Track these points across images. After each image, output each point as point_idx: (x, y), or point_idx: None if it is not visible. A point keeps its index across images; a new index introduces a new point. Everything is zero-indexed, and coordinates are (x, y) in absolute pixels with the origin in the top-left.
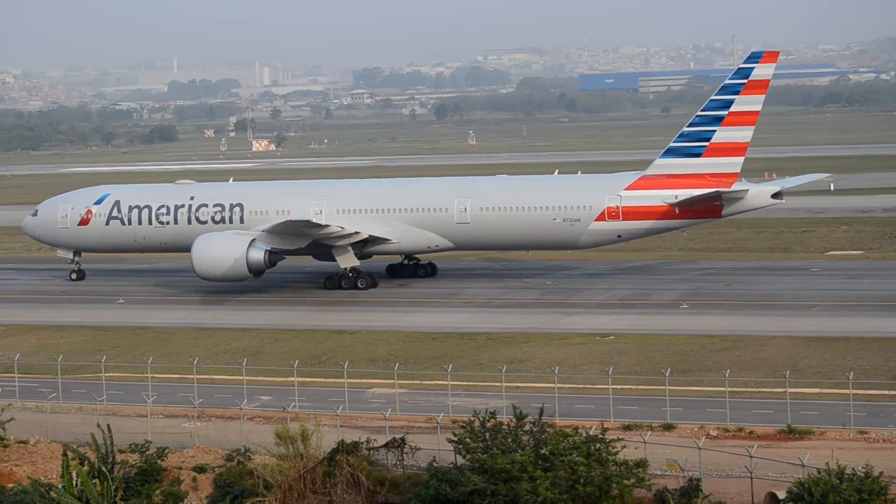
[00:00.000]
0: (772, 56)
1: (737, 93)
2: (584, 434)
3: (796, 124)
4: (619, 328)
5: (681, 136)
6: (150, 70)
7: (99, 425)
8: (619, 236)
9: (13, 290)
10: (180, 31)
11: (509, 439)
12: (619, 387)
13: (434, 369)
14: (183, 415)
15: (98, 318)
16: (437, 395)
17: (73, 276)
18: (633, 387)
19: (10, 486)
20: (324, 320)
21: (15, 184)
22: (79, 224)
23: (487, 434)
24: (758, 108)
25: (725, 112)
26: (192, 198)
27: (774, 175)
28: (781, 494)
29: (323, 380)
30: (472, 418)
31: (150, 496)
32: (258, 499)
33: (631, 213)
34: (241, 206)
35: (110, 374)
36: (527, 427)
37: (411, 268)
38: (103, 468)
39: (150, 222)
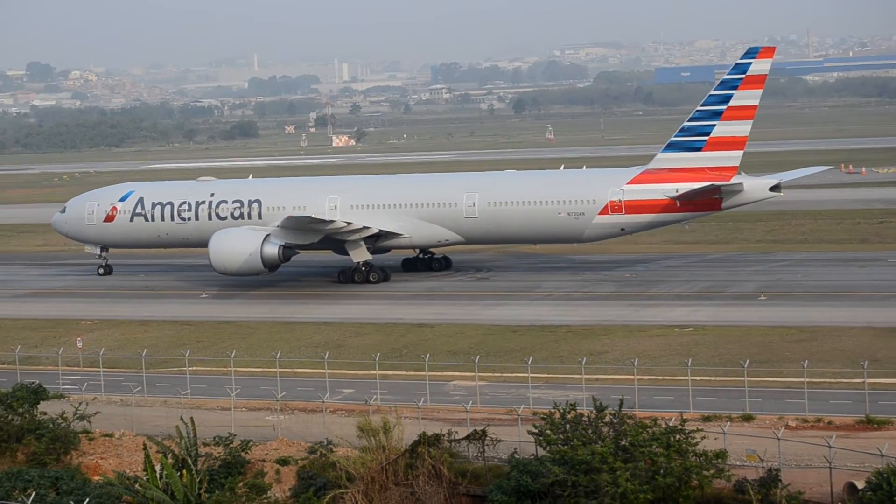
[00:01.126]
0: (768, 51)
1: (735, 88)
2: (663, 425)
3: (872, 115)
4: (698, 320)
5: (682, 130)
6: (230, 67)
7: (182, 418)
8: (622, 229)
9: (98, 285)
10: (260, 28)
11: (589, 431)
12: (697, 378)
13: (514, 362)
14: (266, 408)
15: (181, 312)
16: (518, 388)
17: (101, 271)
18: (712, 378)
19: (96, 478)
20: (404, 314)
21: (98, 181)
22: (104, 220)
23: (568, 426)
24: (755, 102)
25: (724, 107)
26: (212, 194)
27: (851, 167)
28: (860, 484)
29: (404, 373)
30: (553, 410)
31: (233, 488)
32: (340, 490)
33: (633, 207)
34: (258, 202)
35: (194, 368)
36: (607, 419)
37: (426, 261)
38: (187, 461)
39: (173, 218)
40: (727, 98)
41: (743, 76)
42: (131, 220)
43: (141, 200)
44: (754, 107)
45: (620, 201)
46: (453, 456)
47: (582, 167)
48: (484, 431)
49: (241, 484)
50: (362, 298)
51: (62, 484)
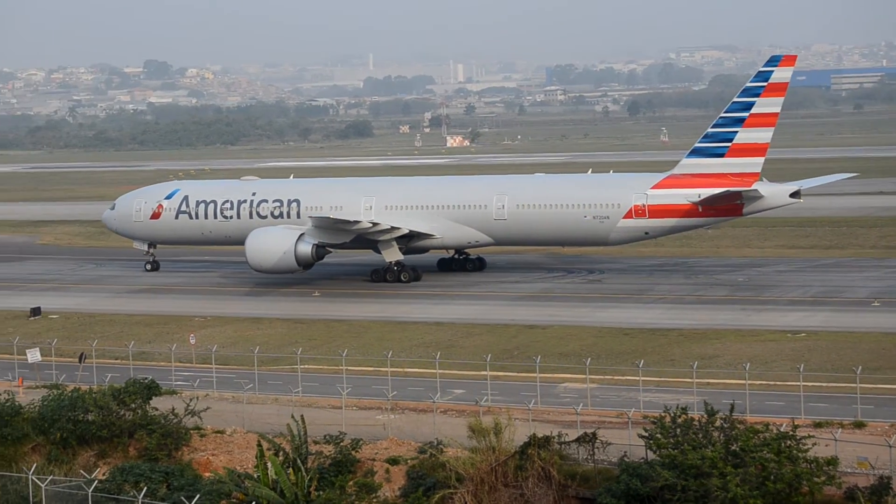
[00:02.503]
0: (790, 59)
1: (757, 95)
2: (774, 431)
3: None
4: (810, 325)
5: (705, 136)
6: (346, 66)
7: (294, 416)
8: (646, 233)
9: (211, 282)
10: (376, 27)
11: (700, 435)
12: (809, 384)
13: (626, 365)
14: (377, 407)
15: (294, 310)
16: (629, 391)
17: (148, 266)
18: (824, 384)
19: (207, 474)
20: (516, 315)
21: (213, 178)
22: (151, 218)
23: (678, 430)
24: (777, 109)
25: (747, 114)
26: (253, 194)
27: None
28: None
29: (515, 374)
30: (664, 414)
31: (343, 487)
32: (450, 491)
33: (657, 211)
34: (297, 201)
35: (306, 366)
36: (717, 423)
37: (461, 262)
38: (297, 459)
39: (216, 216)
40: (750, 105)
41: (765, 84)
42: (176, 217)
43: (186, 198)
44: (776, 114)
45: (644, 205)
46: (563, 458)
47: (609, 171)
48: (594, 434)
49: (350, 483)
50: (474, 299)
51: (173, 479)
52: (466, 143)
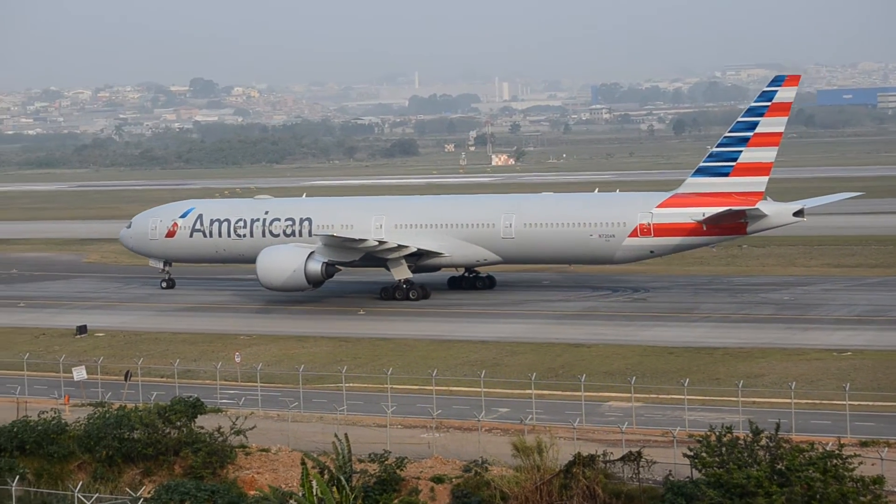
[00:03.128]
0: (793, 80)
1: (761, 115)
2: (820, 450)
3: None
4: (857, 344)
5: (710, 156)
6: (391, 85)
7: (338, 435)
8: (651, 252)
9: (256, 300)
10: (421, 46)
11: (745, 454)
12: (855, 403)
13: (670, 383)
14: (421, 426)
15: (339, 329)
16: (674, 409)
17: (164, 284)
18: (871, 403)
19: (252, 492)
20: (561, 333)
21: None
22: (166, 236)
23: (724, 448)
24: (781, 129)
25: (751, 133)
26: (266, 212)
27: None
28: None
29: (560, 392)
30: (709, 433)
31: None
32: None
33: (662, 230)
34: (309, 220)
35: (350, 385)
36: (763, 442)
37: (470, 280)
38: (342, 477)
39: (229, 235)
40: (754, 125)
41: (769, 104)
42: (191, 235)
43: (200, 217)
44: (780, 133)
45: (649, 224)
46: (608, 477)
47: (616, 190)
48: (639, 453)
49: (395, 501)
50: (519, 317)
51: (218, 497)
52: (511, 161)
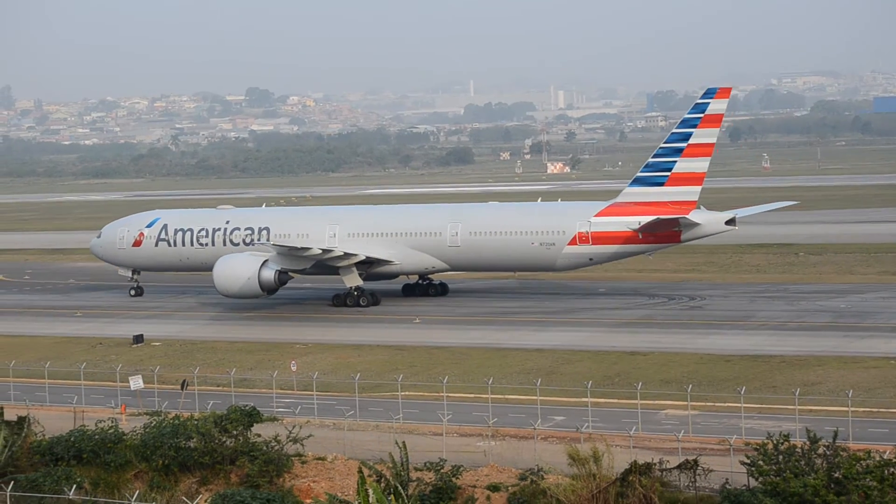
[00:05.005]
0: (724, 92)
1: (695, 126)
2: (877, 458)
3: None
4: None
5: (646, 166)
6: (446, 93)
7: (396, 443)
8: (590, 259)
9: (311, 308)
10: (477, 54)
11: (802, 462)
12: None
13: (727, 391)
14: (477, 434)
15: (394, 337)
16: (730, 417)
17: (133, 292)
18: None
19: (308, 501)
20: (617, 342)
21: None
22: (133, 245)
23: (780, 457)
24: (713, 140)
25: (685, 144)
26: (227, 222)
27: None
28: None
29: (616, 401)
30: (766, 441)
31: None
32: None
33: (599, 238)
34: (267, 229)
35: (406, 393)
36: (820, 450)
37: (424, 287)
38: (398, 485)
39: (192, 244)
40: (687, 136)
41: (702, 115)
42: (156, 244)
43: (165, 227)
44: (712, 144)
45: (588, 233)
46: (664, 485)
47: (558, 199)
48: (696, 461)
49: None
50: (575, 326)
51: None
52: (567, 169)
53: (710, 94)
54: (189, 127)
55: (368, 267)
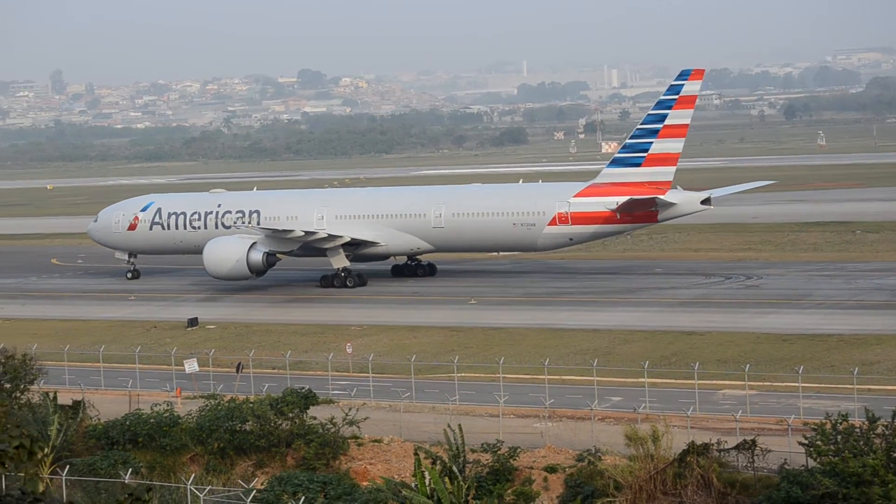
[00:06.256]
0: (698, 73)
1: (670, 108)
2: None
3: None
4: None
5: (624, 147)
6: (499, 73)
7: (451, 425)
8: (570, 239)
9: (367, 291)
10: (530, 33)
11: (861, 442)
12: None
13: (785, 371)
14: (534, 415)
15: (450, 318)
16: (788, 397)
17: (129, 275)
18: None
19: (365, 484)
20: (674, 321)
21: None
22: (128, 229)
23: (839, 437)
24: (687, 121)
25: (661, 125)
26: (219, 205)
27: None
28: None
29: (673, 381)
30: (824, 421)
31: (501, 495)
32: (608, 499)
33: (578, 218)
34: (258, 212)
35: (462, 375)
36: (879, 430)
37: (412, 268)
38: (455, 467)
39: (185, 227)
40: (663, 117)
41: (677, 97)
42: (150, 228)
43: (159, 210)
44: (686, 125)
45: (567, 213)
46: (722, 466)
47: (538, 181)
48: (754, 441)
49: (508, 491)
50: (631, 306)
51: (330, 489)
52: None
53: (684, 75)
54: (241, 109)
55: (355, 248)
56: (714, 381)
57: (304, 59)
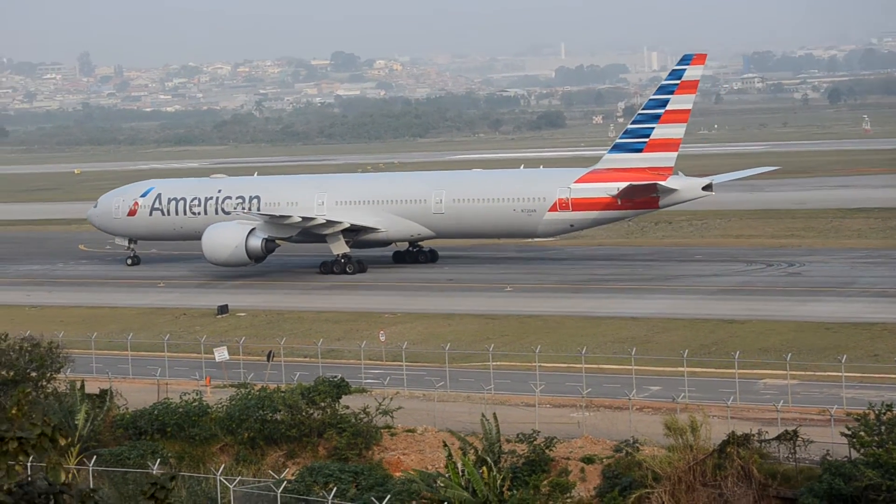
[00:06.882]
0: (700, 58)
1: (672, 92)
2: None
3: None
4: None
5: (626, 132)
6: (536, 56)
7: (485, 414)
8: (571, 225)
9: (400, 277)
10: (568, 16)
11: None
12: None
13: (827, 360)
14: (571, 405)
15: (485, 306)
16: (831, 387)
17: (129, 262)
18: None
19: (398, 474)
20: (713, 309)
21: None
22: (128, 215)
23: (883, 427)
24: (689, 106)
25: (662, 110)
26: (219, 191)
27: None
28: None
29: (713, 370)
30: (867, 411)
31: (537, 486)
32: (646, 491)
33: (579, 205)
34: (258, 198)
35: (497, 363)
36: None
37: (413, 254)
38: (489, 458)
39: (185, 213)
40: (665, 102)
41: (678, 82)
42: (150, 214)
43: (159, 196)
44: (688, 111)
45: (568, 199)
46: (763, 457)
47: (539, 167)
48: (795, 432)
49: (544, 482)
50: (670, 293)
51: (362, 479)
52: None
53: (685, 60)
54: (273, 92)
55: (355, 234)
56: (755, 371)
57: (338, 42)
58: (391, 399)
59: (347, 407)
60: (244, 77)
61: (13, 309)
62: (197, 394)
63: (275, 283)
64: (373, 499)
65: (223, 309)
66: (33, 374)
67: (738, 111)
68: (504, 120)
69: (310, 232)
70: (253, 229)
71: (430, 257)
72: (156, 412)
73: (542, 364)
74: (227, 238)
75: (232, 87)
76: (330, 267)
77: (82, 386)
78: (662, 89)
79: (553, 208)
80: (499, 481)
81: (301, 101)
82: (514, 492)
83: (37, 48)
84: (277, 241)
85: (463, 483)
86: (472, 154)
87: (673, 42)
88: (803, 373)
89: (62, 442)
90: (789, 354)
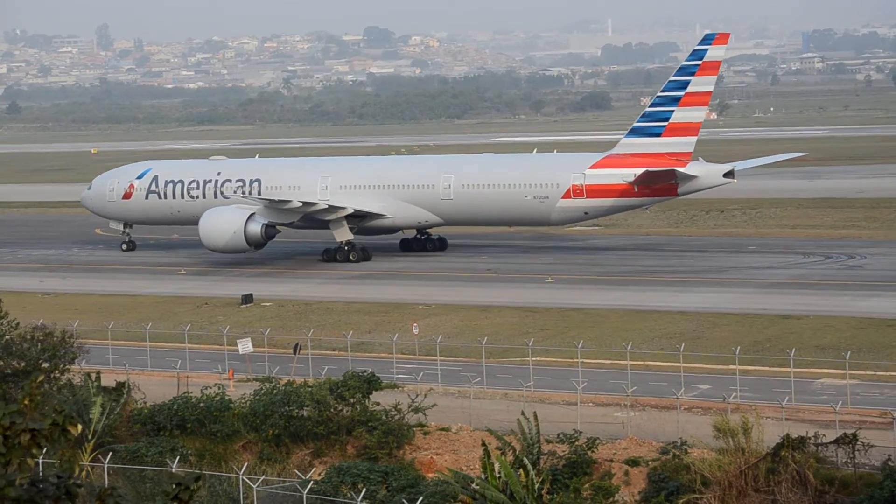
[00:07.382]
0: (723, 38)
1: (692, 74)
2: None
3: None
4: None
5: (643, 115)
6: (582, 33)
7: (524, 413)
8: (585, 213)
9: (436, 267)
10: None
11: None
12: None
13: (889, 359)
14: (615, 403)
15: (525, 298)
16: (893, 388)
17: (124, 247)
18: None
19: (431, 475)
20: (768, 303)
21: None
22: (123, 198)
23: None
24: (710, 88)
25: (682, 93)
26: (219, 173)
27: None
28: None
29: (767, 368)
30: None
31: (578, 490)
32: (695, 496)
33: (594, 191)
34: (259, 181)
35: (537, 359)
36: None
37: (421, 242)
38: (527, 459)
39: (183, 196)
40: (685, 84)
41: (700, 62)
42: (146, 197)
43: (156, 178)
44: (709, 93)
45: (582, 185)
46: (820, 461)
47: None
48: (854, 435)
49: (586, 485)
50: (721, 286)
51: (393, 480)
52: (714, 116)
53: (707, 40)
54: (302, 69)
55: (360, 221)
56: (812, 370)
57: (371, 16)
58: (424, 396)
59: (378, 403)
60: (271, 53)
61: (25, 296)
62: (219, 388)
63: (302, 271)
64: (404, 501)
65: (248, 298)
66: (45, 364)
67: (795, 93)
68: (546, 101)
69: (312, 217)
70: (252, 214)
71: (439, 245)
72: (175, 407)
73: (585, 360)
74: (225, 223)
75: (258, 63)
76: (333, 254)
77: (98, 378)
78: (682, 70)
79: (567, 195)
80: (538, 484)
81: (331, 78)
82: (554, 495)
83: (52, 20)
84: (278, 227)
85: (500, 485)
86: (512, 137)
87: (727, 19)
88: (863, 372)
89: (74, 431)
90: (848, 353)
